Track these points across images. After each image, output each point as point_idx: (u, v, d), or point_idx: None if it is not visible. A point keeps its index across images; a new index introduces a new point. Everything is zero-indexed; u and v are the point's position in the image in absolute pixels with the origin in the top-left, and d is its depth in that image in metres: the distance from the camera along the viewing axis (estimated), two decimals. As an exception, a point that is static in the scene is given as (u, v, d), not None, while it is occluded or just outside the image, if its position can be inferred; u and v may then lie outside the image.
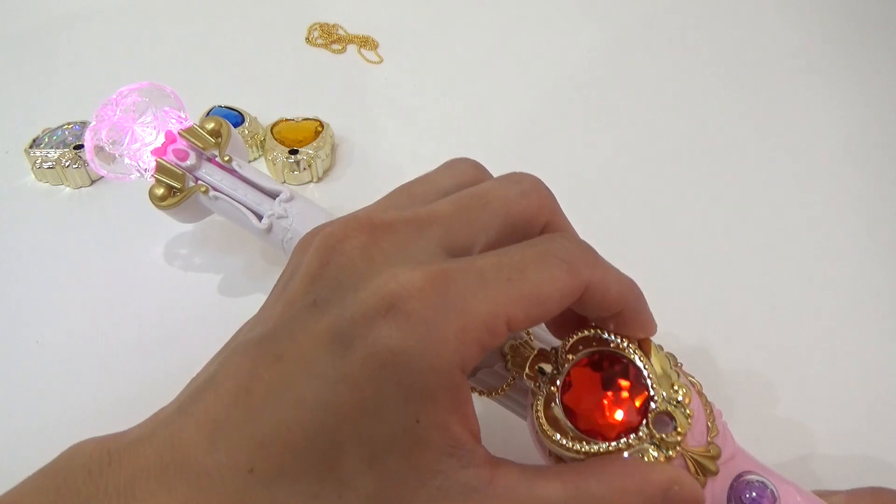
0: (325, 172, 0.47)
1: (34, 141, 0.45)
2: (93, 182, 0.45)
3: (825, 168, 0.48)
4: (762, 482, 0.25)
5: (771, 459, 0.27)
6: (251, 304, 0.39)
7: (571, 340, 0.24)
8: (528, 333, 0.28)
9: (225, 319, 0.39)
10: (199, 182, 0.34)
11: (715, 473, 0.24)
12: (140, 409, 0.35)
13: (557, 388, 0.23)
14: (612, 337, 0.24)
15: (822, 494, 0.27)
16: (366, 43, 0.57)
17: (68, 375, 0.36)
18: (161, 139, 0.35)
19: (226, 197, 0.34)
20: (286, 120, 0.48)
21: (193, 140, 0.34)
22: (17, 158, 0.46)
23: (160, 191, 0.34)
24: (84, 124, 0.46)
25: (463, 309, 0.17)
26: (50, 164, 0.44)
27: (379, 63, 0.56)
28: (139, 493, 0.17)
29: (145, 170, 0.36)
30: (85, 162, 0.44)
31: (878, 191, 0.46)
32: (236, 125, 0.47)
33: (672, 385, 0.23)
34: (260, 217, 0.34)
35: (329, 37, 0.58)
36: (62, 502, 0.18)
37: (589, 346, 0.24)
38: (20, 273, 0.41)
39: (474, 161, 0.24)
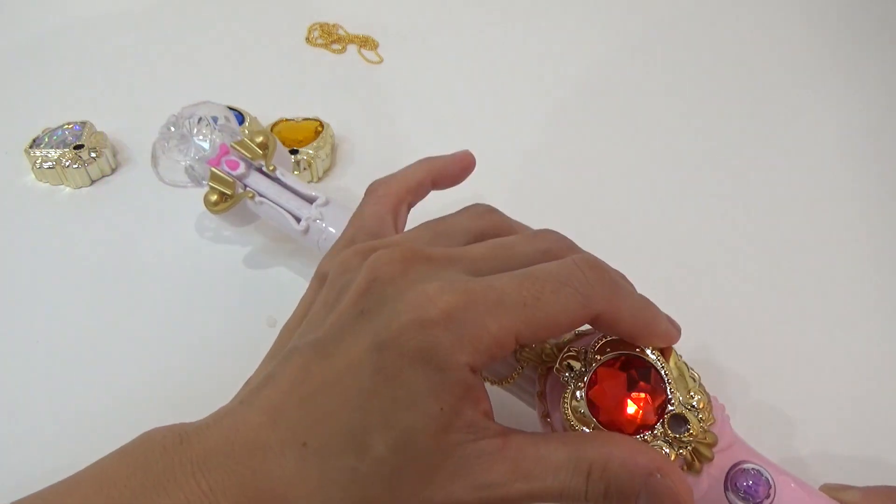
0: (325, 172, 0.47)
1: (34, 141, 0.45)
2: (93, 182, 0.45)
3: (828, 170, 0.48)
4: (758, 470, 0.26)
5: (768, 458, 0.27)
6: (251, 303, 0.39)
7: (601, 342, 0.26)
8: None
9: (225, 319, 0.39)
10: (248, 189, 0.38)
11: (710, 459, 0.25)
12: (140, 409, 0.35)
13: (584, 383, 0.26)
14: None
15: (834, 489, 0.27)
16: (366, 43, 0.57)
17: (68, 375, 0.36)
18: (215, 151, 0.39)
19: (270, 202, 0.38)
20: (286, 120, 0.48)
21: (244, 151, 0.38)
22: (17, 158, 0.46)
23: (214, 197, 0.38)
24: (84, 124, 0.46)
25: (480, 324, 0.21)
26: (50, 164, 0.44)
27: (379, 63, 0.56)
28: (212, 465, 0.20)
29: (201, 178, 0.39)
30: (85, 162, 0.44)
31: (879, 191, 0.46)
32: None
33: (688, 390, 0.26)
34: (298, 220, 0.37)
35: (329, 37, 0.58)
36: (141, 471, 0.20)
37: (616, 349, 0.26)
38: (20, 273, 0.41)
39: (490, 206, 0.28)
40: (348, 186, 0.46)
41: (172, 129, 0.40)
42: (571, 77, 0.55)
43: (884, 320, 0.39)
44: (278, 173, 0.38)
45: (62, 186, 0.45)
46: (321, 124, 0.47)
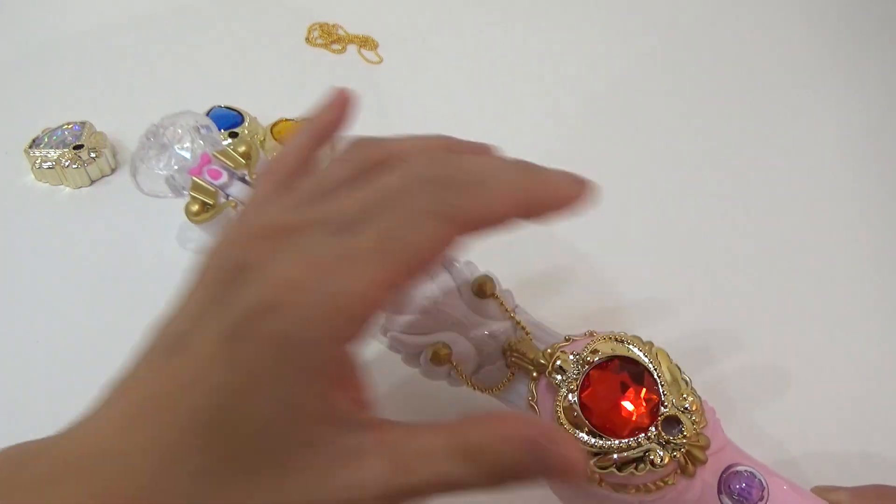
0: (325, 172, 0.46)
1: (34, 141, 0.45)
2: (93, 182, 0.45)
3: (828, 170, 0.48)
4: (751, 472, 0.26)
5: (769, 458, 0.27)
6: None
7: (593, 344, 0.26)
8: (527, 333, 0.29)
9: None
10: (230, 199, 0.37)
11: (703, 462, 0.25)
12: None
13: (577, 386, 0.26)
14: (631, 346, 0.26)
15: (824, 490, 0.27)
16: (366, 43, 0.57)
17: (68, 375, 0.36)
18: (196, 161, 0.38)
19: None
20: (286, 120, 0.48)
21: (226, 161, 0.38)
22: (17, 158, 0.46)
23: (195, 207, 0.37)
24: (83, 124, 0.46)
25: (337, 291, 0.19)
26: (50, 164, 0.44)
27: (379, 63, 0.56)
28: (61, 478, 0.19)
29: (182, 188, 0.39)
30: (84, 162, 0.44)
31: (880, 191, 0.46)
32: (236, 125, 0.47)
33: (681, 393, 0.25)
34: None
35: (329, 37, 0.58)
36: None
37: (608, 351, 0.26)
38: (20, 273, 0.41)
39: (362, 139, 0.25)
40: (348, 186, 0.46)
41: (152, 139, 0.40)
42: (571, 77, 0.55)
43: (884, 320, 0.39)
44: None
45: (62, 186, 0.45)
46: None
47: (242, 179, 0.38)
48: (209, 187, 0.37)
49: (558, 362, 0.27)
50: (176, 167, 0.39)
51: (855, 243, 0.43)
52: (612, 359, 0.26)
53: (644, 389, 0.25)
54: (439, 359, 0.30)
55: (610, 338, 0.27)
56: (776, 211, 0.45)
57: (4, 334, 0.38)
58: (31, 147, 0.45)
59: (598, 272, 0.40)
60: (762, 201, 0.46)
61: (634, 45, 0.58)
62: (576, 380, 0.26)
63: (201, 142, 0.40)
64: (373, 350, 0.34)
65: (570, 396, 0.26)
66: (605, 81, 0.55)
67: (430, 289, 0.31)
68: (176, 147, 0.39)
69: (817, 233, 0.44)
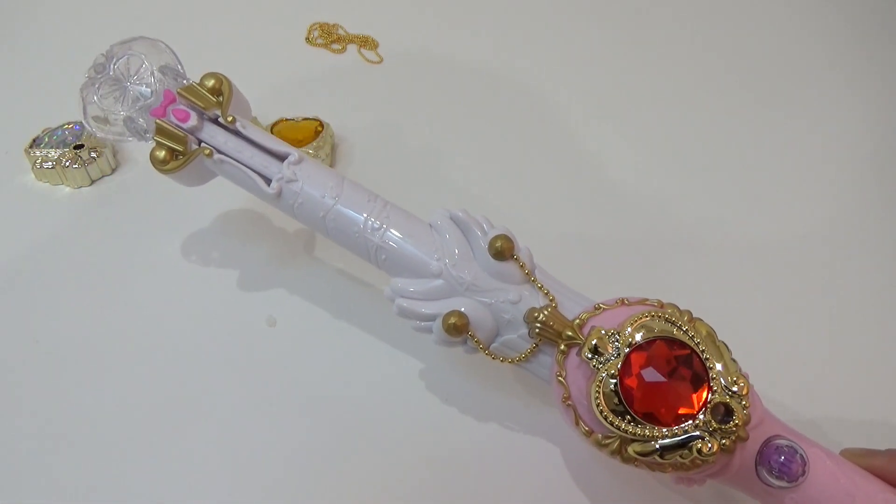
0: (325, 172, 0.46)
1: (34, 141, 0.45)
2: (93, 182, 0.45)
3: (828, 169, 0.48)
4: (792, 447, 0.24)
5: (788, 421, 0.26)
6: (252, 302, 0.39)
7: (635, 323, 0.24)
8: (552, 300, 0.27)
9: (225, 319, 0.39)
10: (203, 144, 0.32)
11: (745, 440, 0.24)
12: (139, 408, 0.35)
13: (617, 370, 0.23)
14: (674, 325, 0.24)
15: (858, 455, 0.26)
16: (366, 43, 0.57)
17: (68, 375, 0.36)
18: (159, 99, 0.33)
19: (231, 160, 0.32)
20: (286, 120, 0.48)
21: (193, 99, 0.32)
22: (17, 158, 0.46)
23: (162, 153, 0.32)
24: (84, 124, 0.46)
25: None
26: (50, 164, 0.44)
27: (379, 63, 0.56)
28: None
29: (144, 131, 0.34)
30: (85, 162, 0.44)
31: (880, 191, 0.46)
32: (236, 125, 0.47)
33: (730, 375, 0.23)
34: (269, 181, 0.32)
35: (329, 37, 0.58)
36: None
37: (651, 330, 0.24)
38: (20, 273, 0.41)
39: None
40: (348, 186, 0.46)
41: (101, 73, 0.34)
42: (571, 77, 0.55)
43: (885, 321, 0.39)
44: (238, 125, 0.33)
45: (62, 186, 0.45)
46: (321, 124, 0.47)
47: (215, 121, 0.33)
48: (176, 131, 0.32)
49: (594, 341, 0.24)
50: (135, 107, 0.33)
51: (857, 244, 0.43)
52: (654, 339, 0.24)
53: (691, 374, 0.23)
54: (454, 328, 0.27)
55: (649, 315, 0.25)
56: (777, 211, 0.45)
57: (4, 334, 0.38)
58: (31, 147, 0.45)
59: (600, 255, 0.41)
60: (763, 201, 0.46)
61: (635, 46, 0.58)
62: (615, 363, 0.24)
63: (162, 76, 0.34)
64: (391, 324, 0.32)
65: (610, 382, 0.24)
66: (604, 81, 0.55)
67: (442, 249, 0.28)
68: (131, 82, 0.33)
69: (817, 232, 0.44)
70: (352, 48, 0.57)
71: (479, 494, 0.33)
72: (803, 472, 0.24)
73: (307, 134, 0.46)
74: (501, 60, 0.56)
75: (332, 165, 0.47)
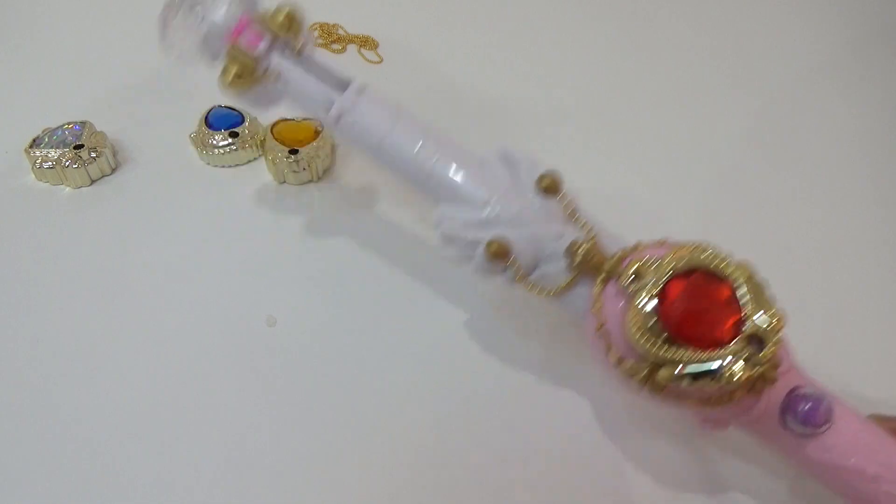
0: (325, 172, 0.47)
1: (34, 141, 0.45)
2: (93, 182, 0.45)
3: (829, 170, 0.48)
4: (818, 397, 0.24)
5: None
6: (252, 302, 0.39)
7: (675, 252, 0.24)
8: (593, 235, 0.28)
9: (225, 318, 0.39)
10: (270, 69, 0.34)
11: (773, 382, 0.24)
12: (139, 408, 0.35)
13: (656, 294, 0.24)
14: (714, 254, 0.24)
15: (886, 419, 0.26)
16: (366, 43, 0.57)
17: (69, 374, 0.36)
18: (235, 22, 0.34)
19: (296, 85, 0.34)
20: (286, 120, 0.48)
21: (266, 27, 0.34)
22: (17, 158, 0.46)
23: (231, 75, 0.34)
24: (84, 124, 0.46)
25: None
26: (50, 164, 0.44)
27: (379, 63, 0.56)
28: None
29: (216, 55, 0.35)
30: (85, 162, 0.44)
31: (880, 191, 0.46)
32: (236, 125, 0.47)
33: (765, 309, 0.24)
34: (328, 107, 0.34)
35: (329, 37, 0.58)
36: None
37: (691, 262, 0.24)
38: (20, 273, 0.41)
39: None
40: (348, 186, 0.46)
41: None
42: (571, 77, 0.55)
43: (885, 322, 0.39)
44: (305, 53, 0.35)
45: (62, 186, 0.45)
46: (321, 124, 0.47)
47: (284, 49, 0.34)
48: (247, 55, 0.33)
49: (635, 266, 0.25)
50: (209, 30, 0.34)
51: (859, 244, 0.43)
52: (693, 269, 0.24)
53: (727, 303, 0.24)
54: (498, 255, 0.27)
55: (689, 249, 0.25)
56: (777, 211, 0.45)
57: (4, 334, 0.38)
58: (31, 147, 0.45)
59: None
60: (763, 201, 0.46)
61: (635, 45, 0.58)
62: (654, 288, 0.24)
63: (238, 1, 0.35)
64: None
65: (647, 304, 0.24)
66: (603, 81, 0.55)
67: (491, 181, 0.29)
68: (207, 6, 0.35)
69: (818, 232, 0.44)
70: (352, 48, 0.57)
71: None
72: (828, 421, 0.24)
73: (307, 134, 0.46)
74: (501, 60, 0.56)
75: (331, 165, 0.47)
